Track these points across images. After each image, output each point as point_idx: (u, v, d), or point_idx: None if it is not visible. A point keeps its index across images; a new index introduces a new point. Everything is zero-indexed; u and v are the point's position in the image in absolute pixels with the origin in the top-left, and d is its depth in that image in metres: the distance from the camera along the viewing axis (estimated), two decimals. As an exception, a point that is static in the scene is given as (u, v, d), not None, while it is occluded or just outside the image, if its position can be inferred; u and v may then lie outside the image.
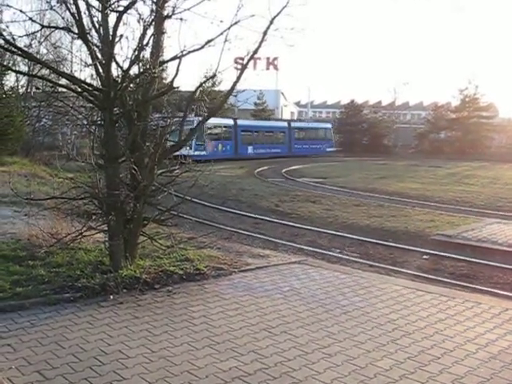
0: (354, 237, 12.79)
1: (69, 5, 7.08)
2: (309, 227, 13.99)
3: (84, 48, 7.41)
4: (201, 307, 6.38)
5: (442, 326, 5.98)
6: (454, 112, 63.52)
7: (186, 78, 16.42)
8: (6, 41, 7.01)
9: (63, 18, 7.80)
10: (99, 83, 7.34)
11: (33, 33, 8.26)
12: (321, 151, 55.92)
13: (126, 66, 7.33)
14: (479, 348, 5.36)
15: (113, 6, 7.14)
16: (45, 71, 21.44)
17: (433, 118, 64.48)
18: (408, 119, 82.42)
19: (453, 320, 6.18)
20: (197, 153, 31.09)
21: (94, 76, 7.53)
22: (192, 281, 7.39)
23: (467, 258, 10.66)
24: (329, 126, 61.72)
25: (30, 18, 7.31)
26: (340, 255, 10.93)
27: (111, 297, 6.57)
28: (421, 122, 71.14)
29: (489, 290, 8.59)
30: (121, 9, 7.12)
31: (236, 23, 7.19)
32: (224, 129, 46.30)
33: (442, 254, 11.09)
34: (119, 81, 7.28)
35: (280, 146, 52.94)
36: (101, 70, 7.22)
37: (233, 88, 7.91)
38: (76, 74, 7.71)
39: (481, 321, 6.18)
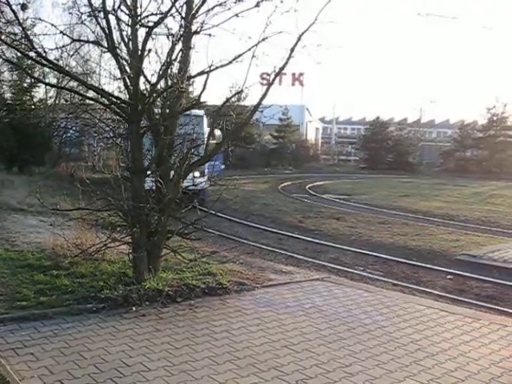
0: (378, 255, 12.65)
1: (99, 19, 7.21)
2: (332, 244, 13.87)
3: (112, 61, 7.54)
4: (222, 322, 6.37)
5: (466, 347, 5.89)
6: (480, 131, 62.82)
7: (212, 93, 16.50)
8: (38, 53, 7.14)
9: (93, 32, 7.92)
10: (127, 96, 7.42)
11: (63, 46, 8.38)
12: (217, 170, 39.75)
13: (154, 80, 7.42)
14: (504, 372, 5.26)
15: (143, 21, 7.25)
16: (73, 83, 21.76)
17: (459, 137, 63.79)
18: (434, 137, 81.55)
19: (477, 342, 6.08)
20: None
21: (122, 89, 7.61)
22: (214, 295, 7.39)
23: (493, 279, 10.48)
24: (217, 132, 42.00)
25: (61, 32, 7.45)
26: (363, 273, 10.81)
27: (133, 309, 6.60)
28: (447, 140, 70.37)
29: (515, 312, 8.43)
30: (151, 24, 7.23)
31: (264, 40, 7.23)
32: None
33: (467, 274, 10.90)
34: (147, 94, 7.37)
35: None
36: (129, 84, 7.31)
37: (259, 103, 7.92)
38: (104, 87, 7.78)
39: (506, 343, 6.07)
